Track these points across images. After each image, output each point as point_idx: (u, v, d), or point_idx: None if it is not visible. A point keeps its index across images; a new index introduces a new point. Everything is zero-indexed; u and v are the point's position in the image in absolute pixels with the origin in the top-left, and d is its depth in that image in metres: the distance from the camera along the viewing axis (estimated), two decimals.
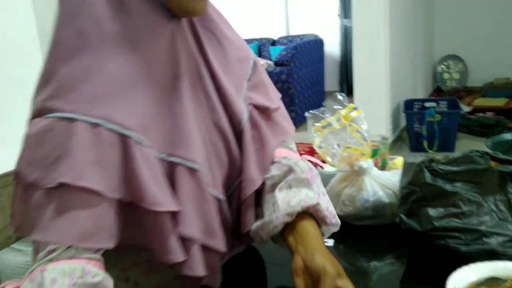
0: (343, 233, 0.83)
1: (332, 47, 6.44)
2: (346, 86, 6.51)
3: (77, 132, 0.61)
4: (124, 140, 0.63)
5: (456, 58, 6.04)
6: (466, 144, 3.96)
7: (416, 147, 3.89)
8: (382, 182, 0.97)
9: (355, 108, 0.95)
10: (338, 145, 0.95)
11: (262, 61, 5.76)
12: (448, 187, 0.79)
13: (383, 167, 1.22)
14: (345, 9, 6.30)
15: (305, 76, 5.27)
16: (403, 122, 4.32)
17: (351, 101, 3.91)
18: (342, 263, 0.67)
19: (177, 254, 0.67)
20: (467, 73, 6.05)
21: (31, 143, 0.63)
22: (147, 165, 0.64)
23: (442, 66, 6.12)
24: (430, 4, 5.80)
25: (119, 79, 0.64)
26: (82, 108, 0.62)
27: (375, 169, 0.99)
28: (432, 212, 0.80)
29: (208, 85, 0.75)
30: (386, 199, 0.96)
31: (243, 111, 0.78)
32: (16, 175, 0.64)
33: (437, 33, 6.10)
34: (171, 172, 0.68)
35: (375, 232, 0.99)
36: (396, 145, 4.10)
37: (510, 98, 5.19)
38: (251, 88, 0.81)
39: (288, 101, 5.00)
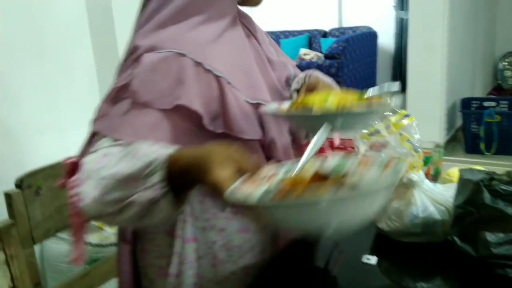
0: (388, 249, 0.77)
1: (386, 40, 6.21)
2: (400, 81, 6.27)
3: (187, 66, 0.76)
4: (218, 80, 0.78)
5: None
6: None
7: (472, 149, 3.68)
8: (434, 197, 0.89)
9: (407, 115, 0.87)
10: (387, 154, 0.88)
11: (311, 53, 5.65)
12: (510, 210, 0.70)
13: (435, 176, 1.13)
14: (402, 0, 6.05)
15: (356, 70, 5.12)
16: (459, 122, 4.09)
17: (404, 98, 3.79)
18: (386, 281, 0.61)
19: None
20: None
21: (147, 69, 0.75)
22: (237, 102, 0.79)
23: (504, 63, 5.75)
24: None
25: (209, 34, 0.81)
26: (187, 49, 0.77)
27: (426, 181, 0.90)
28: (490, 237, 0.72)
29: (263, 57, 0.93)
30: (437, 216, 0.88)
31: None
32: (128, 89, 0.76)
33: (500, 28, 5.73)
34: (255, 110, 0.83)
35: (424, 251, 0.90)
36: (450, 145, 3.89)
37: None
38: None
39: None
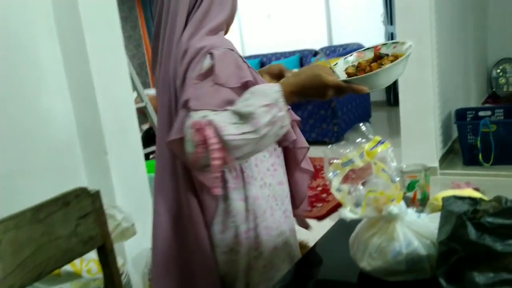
0: None
1: None
2: (393, 95, 6.22)
3: (238, 57, 1.04)
4: (250, 67, 1.07)
5: None
6: None
7: (470, 161, 3.59)
8: (418, 230, 0.80)
9: (381, 142, 0.79)
10: (362, 186, 0.80)
11: None
12: (499, 246, 0.62)
13: (423, 202, 1.05)
14: (390, 15, 6.05)
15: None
16: (455, 133, 4.01)
17: (397, 113, 3.72)
18: None
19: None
20: None
21: (219, 59, 0.98)
22: (262, 81, 1.10)
23: (498, 70, 5.71)
24: (483, 6, 5.44)
25: (230, 41, 1.09)
26: (231, 47, 1.04)
27: (409, 212, 0.82)
28: (478, 278, 0.63)
29: None
30: (423, 251, 0.79)
31: None
32: (211, 74, 0.98)
33: (491, 36, 5.71)
34: None
35: None
36: (448, 158, 3.80)
37: None
38: None
39: (331, 114, 4.81)
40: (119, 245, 2.02)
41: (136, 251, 2.16)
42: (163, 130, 1.11)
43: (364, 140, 0.81)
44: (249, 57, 7.08)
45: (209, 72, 0.97)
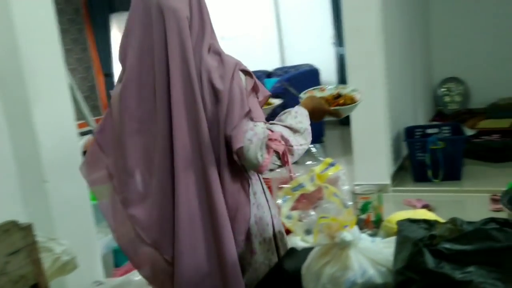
0: None
1: (329, 76, 6.30)
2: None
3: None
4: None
5: (457, 80, 5.86)
6: (474, 171, 3.72)
7: (420, 177, 3.66)
8: (373, 256, 0.76)
9: (332, 164, 0.75)
10: (314, 212, 0.75)
11: None
12: (458, 274, 0.58)
13: (377, 224, 1.01)
14: (340, 37, 6.19)
15: None
16: (405, 151, 4.10)
17: (349, 132, 3.75)
18: None
19: None
20: (469, 95, 5.86)
21: (247, 77, 1.21)
22: None
23: (443, 89, 5.94)
24: (426, 26, 5.67)
25: None
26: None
27: (363, 238, 0.77)
28: None
29: None
30: (379, 280, 0.74)
31: None
32: (252, 89, 1.19)
33: (436, 56, 5.94)
34: None
35: None
36: (399, 175, 3.86)
37: None
38: None
39: None
40: (60, 280, 1.87)
41: (79, 285, 2.01)
42: (190, 133, 1.11)
43: (314, 163, 0.76)
44: None
45: (254, 88, 1.16)
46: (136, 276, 1.75)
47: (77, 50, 9.45)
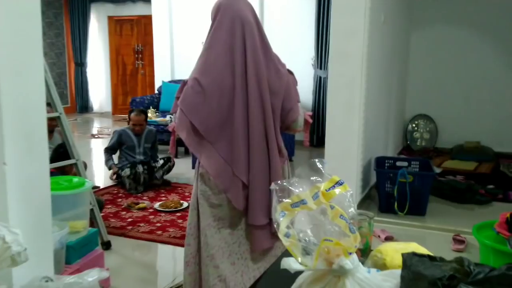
0: None
1: (305, 97, 6.32)
2: (317, 137, 6.34)
3: None
4: None
5: (428, 118, 6.01)
6: (438, 209, 3.77)
7: (385, 208, 3.67)
8: None
9: (339, 183, 0.69)
10: (314, 233, 0.68)
11: None
12: None
13: (364, 252, 0.95)
14: (320, 59, 6.24)
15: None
16: (373, 180, 4.12)
17: (321, 154, 3.75)
18: None
19: None
20: (438, 134, 6.01)
21: None
22: None
23: (413, 125, 6.06)
24: (405, 63, 5.80)
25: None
26: None
27: (361, 268, 0.71)
28: None
29: None
30: None
31: None
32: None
33: (410, 92, 6.08)
34: None
35: None
36: (365, 204, 3.87)
37: (479, 162, 5.13)
38: None
39: None
40: (6, 272, 1.72)
41: (26, 279, 1.86)
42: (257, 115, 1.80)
43: (319, 179, 0.70)
44: (178, 81, 6.91)
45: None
46: (90, 277, 1.63)
47: (51, 34, 9.14)
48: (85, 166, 4.22)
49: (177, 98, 1.85)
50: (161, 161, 4.64)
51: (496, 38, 5.62)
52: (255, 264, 1.90)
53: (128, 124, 4.74)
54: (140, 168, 4.40)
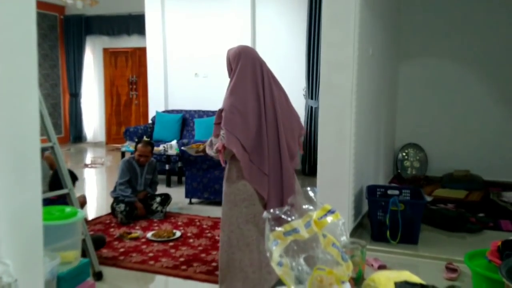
0: None
1: None
2: (308, 166, 6.38)
3: None
4: None
5: (417, 147, 6.08)
6: (430, 237, 3.78)
7: (378, 237, 3.68)
8: None
9: (331, 211, 0.71)
10: (307, 262, 0.70)
11: None
12: None
13: (357, 281, 0.97)
14: (311, 90, 6.34)
15: None
16: (365, 208, 4.13)
17: (313, 182, 3.78)
18: None
19: None
20: (428, 163, 6.07)
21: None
22: None
23: (403, 154, 6.13)
24: (394, 93, 5.91)
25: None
26: None
27: None
28: None
29: None
30: None
31: None
32: None
33: (400, 121, 6.18)
34: None
35: None
36: (357, 232, 3.87)
37: (469, 190, 5.18)
38: None
39: None
40: None
41: None
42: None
43: (311, 207, 0.72)
44: (172, 111, 6.97)
45: None
46: None
47: (46, 66, 9.22)
48: (85, 201, 4.20)
49: (217, 123, 2.38)
50: (158, 199, 4.58)
51: (482, 70, 5.77)
52: None
53: (134, 154, 4.70)
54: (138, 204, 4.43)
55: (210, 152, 2.46)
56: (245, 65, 2.40)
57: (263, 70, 2.43)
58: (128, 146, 6.23)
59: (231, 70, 2.46)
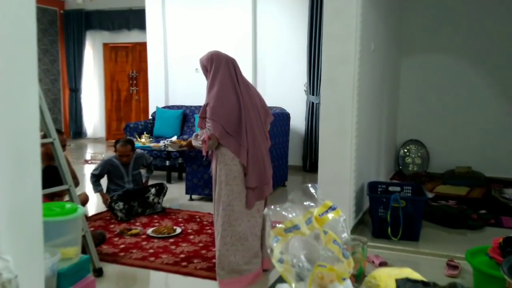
0: None
1: (298, 122, 6.38)
2: (309, 162, 6.37)
3: None
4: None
5: (419, 143, 6.07)
6: (431, 234, 3.77)
7: (379, 233, 3.66)
8: None
9: (332, 208, 0.70)
10: (308, 259, 0.69)
11: None
12: None
13: (358, 278, 0.96)
14: (312, 86, 6.31)
15: (270, 149, 5.09)
16: (366, 205, 4.12)
17: (314, 179, 3.78)
18: None
19: None
20: (429, 159, 6.06)
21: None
22: None
23: (405, 150, 6.11)
24: (395, 89, 5.89)
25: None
26: None
27: None
28: None
29: None
30: None
31: None
32: None
33: (402, 118, 6.16)
34: None
35: None
36: (358, 229, 3.86)
37: (471, 187, 5.16)
38: None
39: None
40: None
41: None
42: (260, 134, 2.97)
43: (312, 204, 0.71)
44: (172, 107, 6.96)
45: None
46: None
47: (46, 61, 9.20)
48: (87, 199, 4.18)
49: (202, 117, 2.83)
50: (153, 190, 4.57)
51: (484, 66, 5.74)
52: None
53: (115, 153, 4.62)
54: (135, 203, 4.41)
55: (195, 143, 2.88)
56: (219, 64, 2.85)
57: (235, 65, 2.89)
58: None
59: (206, 71, 2.90)
